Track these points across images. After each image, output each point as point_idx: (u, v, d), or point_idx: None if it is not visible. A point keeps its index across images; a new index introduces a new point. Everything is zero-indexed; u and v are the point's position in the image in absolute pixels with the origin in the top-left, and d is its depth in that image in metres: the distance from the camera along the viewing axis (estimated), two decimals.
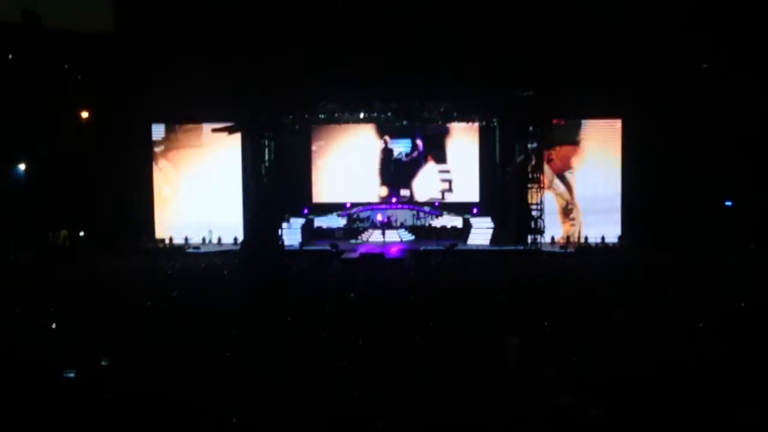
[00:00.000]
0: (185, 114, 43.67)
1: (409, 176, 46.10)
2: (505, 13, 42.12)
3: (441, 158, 45.97)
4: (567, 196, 43.69)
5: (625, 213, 42.92)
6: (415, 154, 45.92)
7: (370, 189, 46.16)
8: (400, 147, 45.95)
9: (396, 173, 46.11)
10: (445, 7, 42.79)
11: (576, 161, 43.61)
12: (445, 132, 45.44)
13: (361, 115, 42.65)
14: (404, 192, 46.00)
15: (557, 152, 41.91)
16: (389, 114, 42.18)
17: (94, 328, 21.65)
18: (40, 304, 25.91)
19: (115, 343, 19.85)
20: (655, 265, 34.07)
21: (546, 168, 41.39)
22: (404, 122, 44.17)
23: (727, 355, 18.47)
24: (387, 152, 46.11)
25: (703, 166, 41.07)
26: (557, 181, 43.52)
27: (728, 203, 42.17)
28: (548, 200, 41.75)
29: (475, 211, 44.43)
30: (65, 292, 28.53)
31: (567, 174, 43.67)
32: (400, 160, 46.06)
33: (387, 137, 45.85)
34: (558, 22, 41.34)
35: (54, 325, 22.65)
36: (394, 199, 45.90)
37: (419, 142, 45.85)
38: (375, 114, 42.53)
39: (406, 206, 45.76)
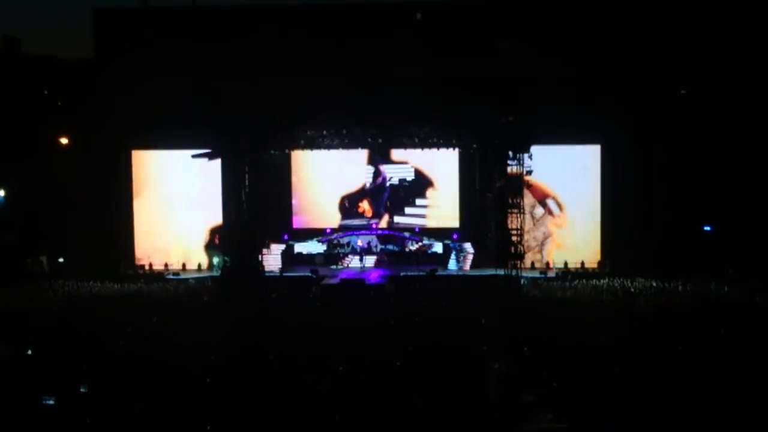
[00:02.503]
0: (165, 140, 43.55)
1: (391, 202, 46.03)
2: (485, 40, 42.40)
3: (427, 183, 45.89)
4: (550, 221, 43.80)
5: (605, 238, 43.05)
6: (398, 180, 45.88)
7: (351, 214, 46.09)
8: (385, 173, 45.92)
9: (376, 199, 46.06)
10: (425, 33, 43.07)
11: (555, 187, 43.75)
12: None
13: (342, 141, 42.43)
14: (385, 217, 45.97)
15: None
16: (369, 140, 42.08)
17: (73, 355, 21.54)
18: (19, 331, 25.75)
19: (95, 369, 19.76)
20: (634, 291, 34.24)
21: (528, 194, 41.46)
22: (385, 148, 44.17)
23: (707, 381, 18.58)
24: (370, 178, 46.06)
25: (682, 192, 41.34)
26: (539, 208, 43.68)
27: (707, 228, 42.40)
28: (529, 225, 41.76)
29: (455, 236, 44.43)
30: (44, 319, 28.35)
31: (548, 201, 43.80)
32: (383, 185, 46.00)
33: (367, 164, 45.82)
34: (538, 49, 41.55)
35: (31, 352, 22.51)
36: (374, 225, 45.86)
37: (401, 167, 45.87)
38: (354, 140, 42.33)
39: (386, 232, 45.67)
